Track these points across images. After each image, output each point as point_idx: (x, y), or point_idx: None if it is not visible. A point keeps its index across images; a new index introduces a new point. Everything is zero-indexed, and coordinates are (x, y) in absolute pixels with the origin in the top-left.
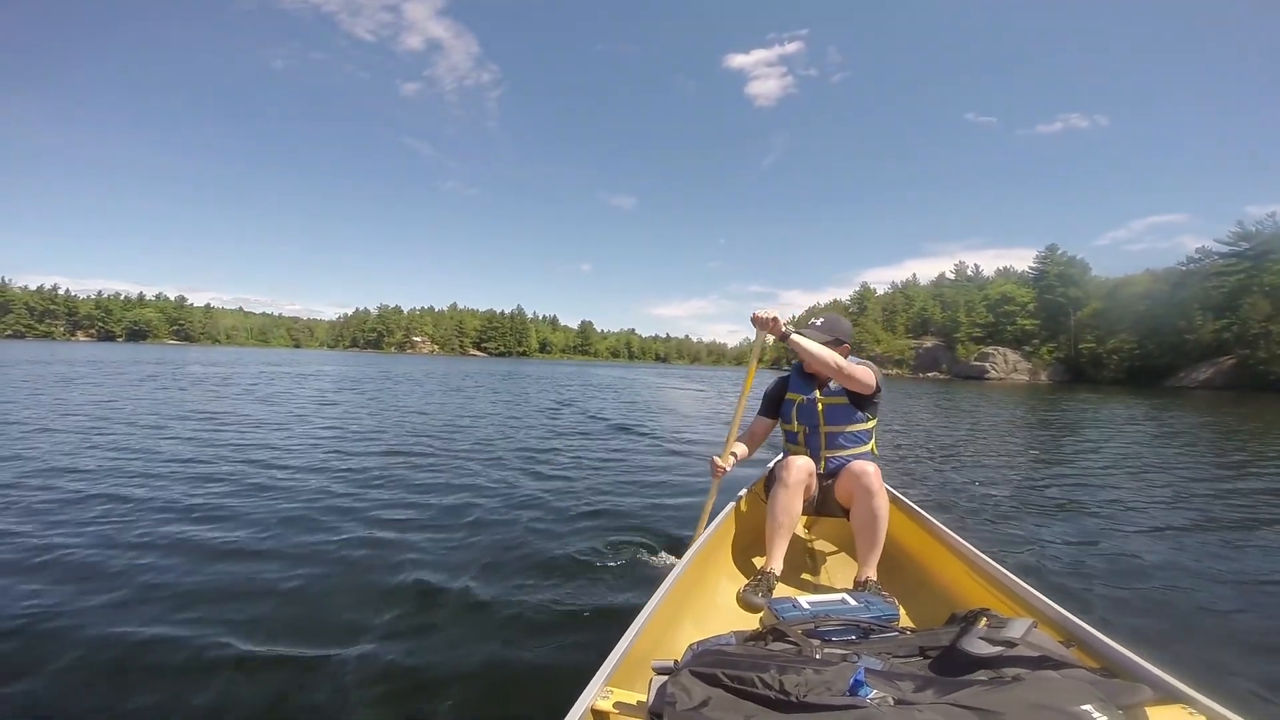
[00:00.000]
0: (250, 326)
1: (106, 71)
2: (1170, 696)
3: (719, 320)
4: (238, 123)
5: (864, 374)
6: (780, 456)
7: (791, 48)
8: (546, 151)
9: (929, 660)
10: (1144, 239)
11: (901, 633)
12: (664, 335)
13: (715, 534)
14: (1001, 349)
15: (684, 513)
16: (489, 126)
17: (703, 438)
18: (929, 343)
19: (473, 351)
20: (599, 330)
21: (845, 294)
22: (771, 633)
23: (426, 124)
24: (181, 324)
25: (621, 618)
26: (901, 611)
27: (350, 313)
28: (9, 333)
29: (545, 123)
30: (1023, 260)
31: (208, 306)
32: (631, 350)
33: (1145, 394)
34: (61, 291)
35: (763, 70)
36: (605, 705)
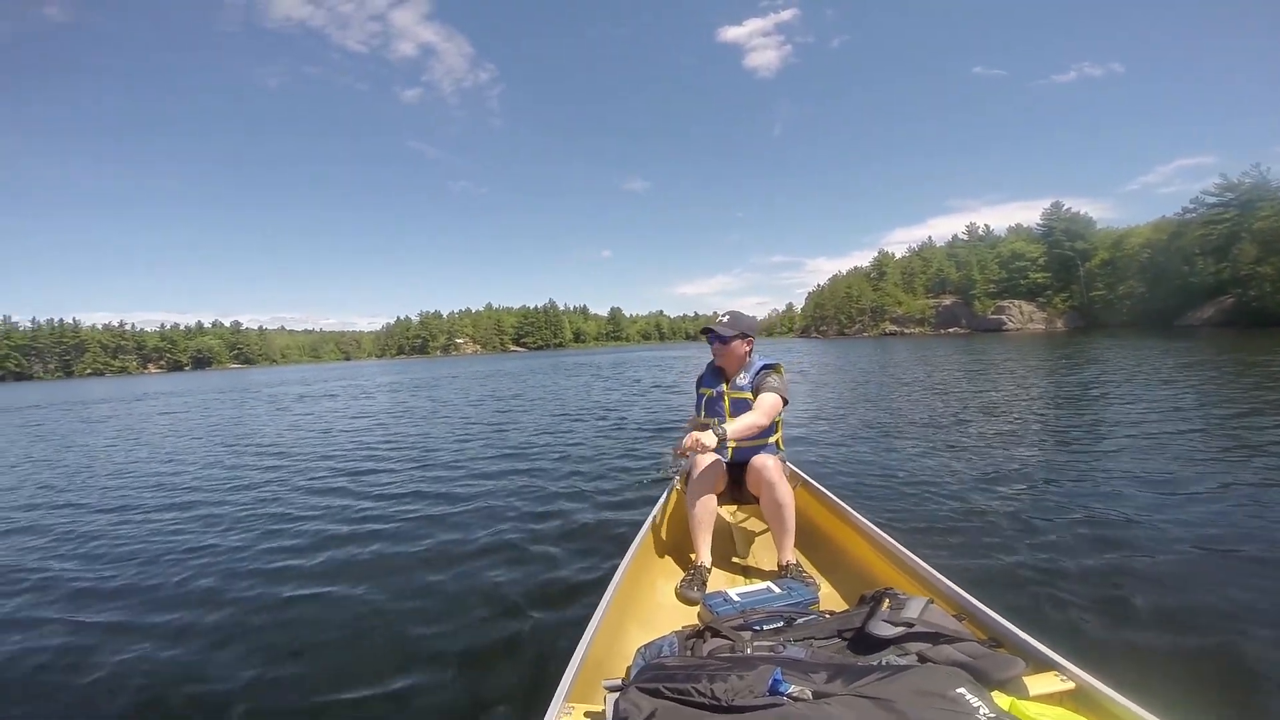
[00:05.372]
0: (301, 345)
1: (92, 107)
2: (1044, 665)
3: (745, 294)
4: (242, 146)
5: (774, 408)
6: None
7: (786, 15)
8: (552, 143)
9: (846, 641)
10: (1173, 182)
11: (820, 616)
12: (692, 314)
13: (648, 534)
14: (1017, 302)
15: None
16: (493, 125)
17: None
18: (947, 300)
19: (512, 348)
20: (628, 315)
21: (868, 258)
22: (708, 630)
23: (431, 128)
24: (240, 348)
25: (569, 624)
26: (822, 589)
27: (391, 321)
28: (88, 371)
29: (548, 115)
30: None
31: (261, 329)
32: (662, 331)
33: (1154, 335)
34: (129, 327)
35: (759, 41)
36: None
